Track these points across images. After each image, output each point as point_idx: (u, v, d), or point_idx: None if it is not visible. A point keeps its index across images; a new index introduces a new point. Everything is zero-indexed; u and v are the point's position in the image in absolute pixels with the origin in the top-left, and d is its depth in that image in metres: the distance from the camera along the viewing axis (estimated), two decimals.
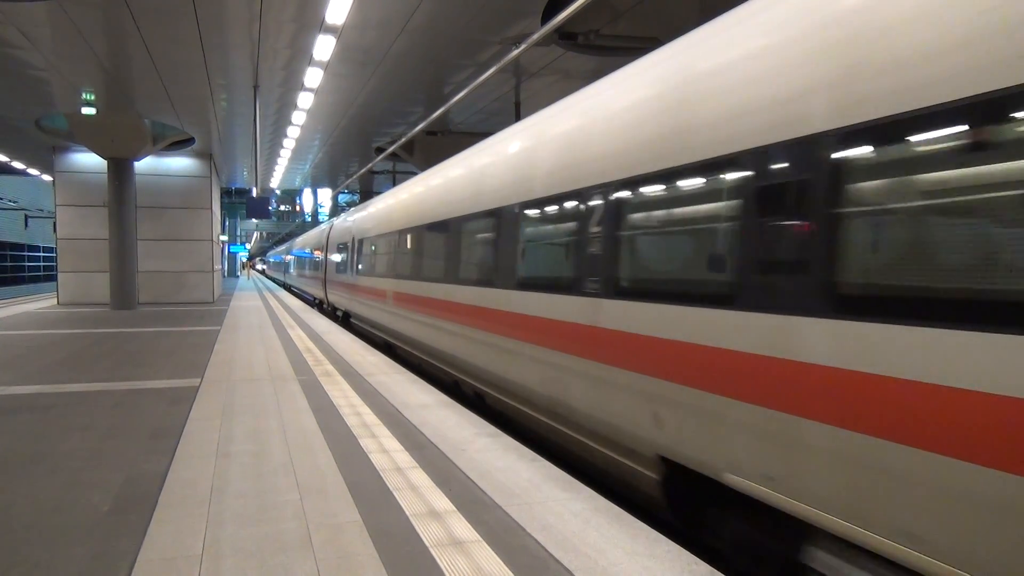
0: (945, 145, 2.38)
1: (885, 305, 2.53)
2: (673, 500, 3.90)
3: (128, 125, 17.40)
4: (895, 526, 2.46)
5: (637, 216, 4.22)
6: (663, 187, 3.93)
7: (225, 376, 7.78)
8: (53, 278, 22.24)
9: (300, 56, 11.63)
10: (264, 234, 71.02)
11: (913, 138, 2.50)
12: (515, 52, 8.12)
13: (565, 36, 9.55)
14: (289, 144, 20.00)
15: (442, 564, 2.93)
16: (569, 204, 5.05)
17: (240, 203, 46.41)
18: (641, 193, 4.14)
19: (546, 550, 3.07)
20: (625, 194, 4.29)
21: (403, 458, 4.55)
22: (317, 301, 24.06)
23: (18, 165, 25.09)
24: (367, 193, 29.93)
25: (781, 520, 3.09)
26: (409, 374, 8.04)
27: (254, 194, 24.70)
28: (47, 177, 26.20)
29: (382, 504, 3.67)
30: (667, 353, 3.73)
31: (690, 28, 4.20)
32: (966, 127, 2.30)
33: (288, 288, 37.18)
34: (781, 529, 3.17)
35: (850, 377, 2.62)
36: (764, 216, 3.11)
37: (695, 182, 3.68)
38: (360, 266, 14.31)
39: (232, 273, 55.07)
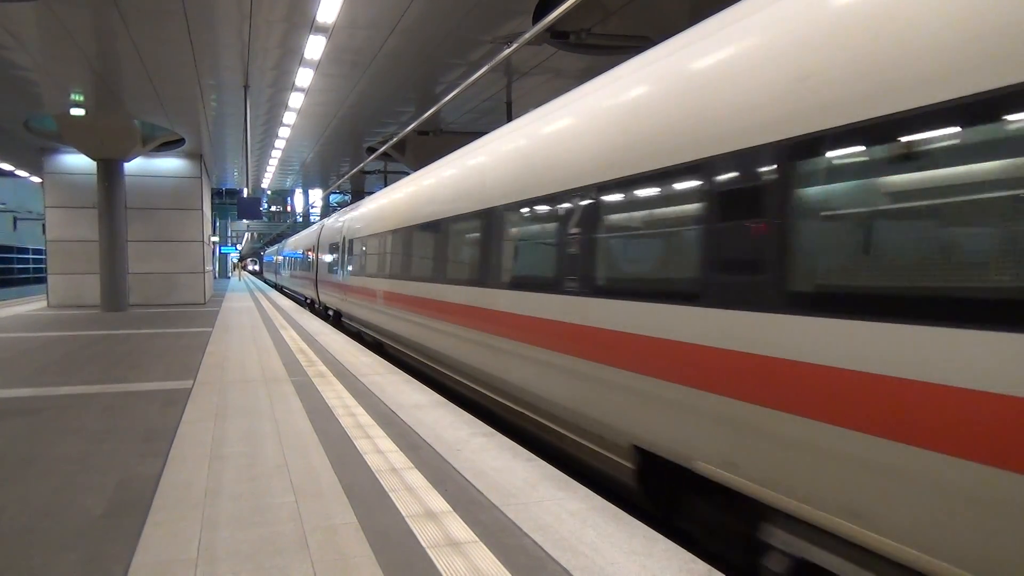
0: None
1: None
2: None
3: (117, 126, 17.28)
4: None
5: None
6: None
7: (218, 378, 7.74)
8: (43, 280, 22.04)
9: (290, 56, 11.58)
10: (255, 235, 70.73)
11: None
12: (506, 51, 8.10)
13: (556, 35, 9.55)
14: (280, 144, 19.92)
15: (439, 565, 2.93)
16: None
17: (231, 204, 46.20)
18: None
19: (543, 550, 3.07)
20: None
21: (398, 459, 4.54)
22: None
23: (6, 167, 24.88)
24: (358, 193, 29.70)
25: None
26: (403, 374, 8.01)
27: (245, 194, 24.61)
28: (36, 179, 25.99)
29: (378, 505, 3.66)
30: None
31: (681, 28, 4.11)
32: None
33: (338, 316, 17.01)
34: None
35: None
36: None
37: None
38: None
39: (223, 274, 54.86)
